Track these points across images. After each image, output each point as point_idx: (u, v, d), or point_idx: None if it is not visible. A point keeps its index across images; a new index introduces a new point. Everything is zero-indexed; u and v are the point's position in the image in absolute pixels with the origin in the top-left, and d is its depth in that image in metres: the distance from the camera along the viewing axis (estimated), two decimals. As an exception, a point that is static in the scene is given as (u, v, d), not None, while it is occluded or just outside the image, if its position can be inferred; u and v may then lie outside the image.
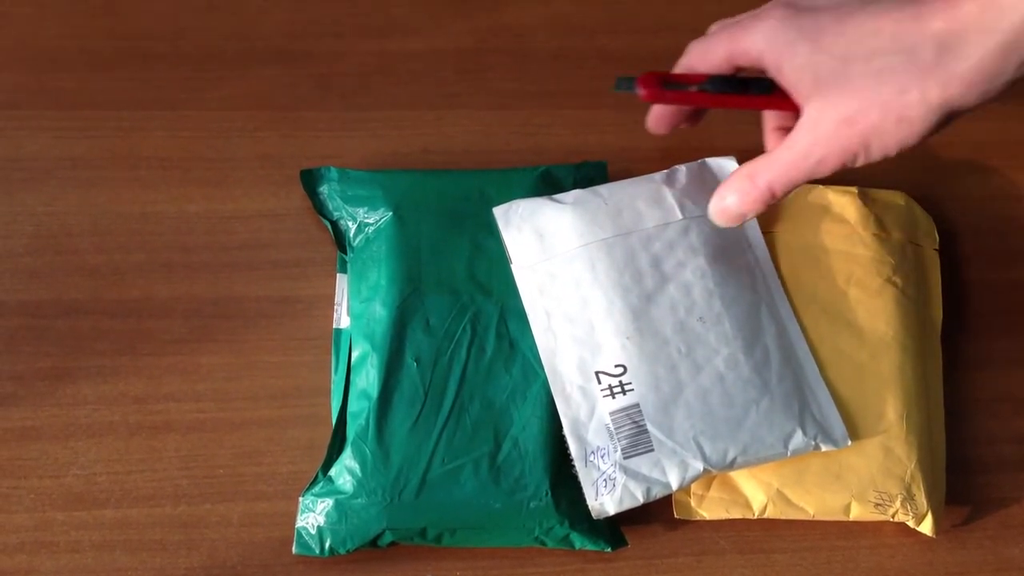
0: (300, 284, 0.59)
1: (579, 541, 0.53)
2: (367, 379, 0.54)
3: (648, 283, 0.54)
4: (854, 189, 0.60)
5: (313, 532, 0.52)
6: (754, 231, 0.58)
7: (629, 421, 0.52)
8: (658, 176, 0.57)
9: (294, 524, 0.53)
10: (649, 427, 0.52)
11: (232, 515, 0.54)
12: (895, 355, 0.56)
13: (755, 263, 0.57)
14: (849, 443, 0.53)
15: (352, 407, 0.54)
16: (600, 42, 0.67)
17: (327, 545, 0.52)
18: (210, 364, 0.57)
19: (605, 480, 0.52)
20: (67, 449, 0.55)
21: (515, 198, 0.58)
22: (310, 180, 0.60)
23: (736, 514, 0.54)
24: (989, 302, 0.62)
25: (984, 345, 0.61)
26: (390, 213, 0.57)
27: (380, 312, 0.55)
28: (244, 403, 0.56)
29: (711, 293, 0.54)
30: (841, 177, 0.60)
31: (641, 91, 0.47)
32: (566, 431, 0.53)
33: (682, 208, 0.56)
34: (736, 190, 0.48)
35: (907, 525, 0.54)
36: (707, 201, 0.50)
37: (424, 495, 0.52)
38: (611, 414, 0.52)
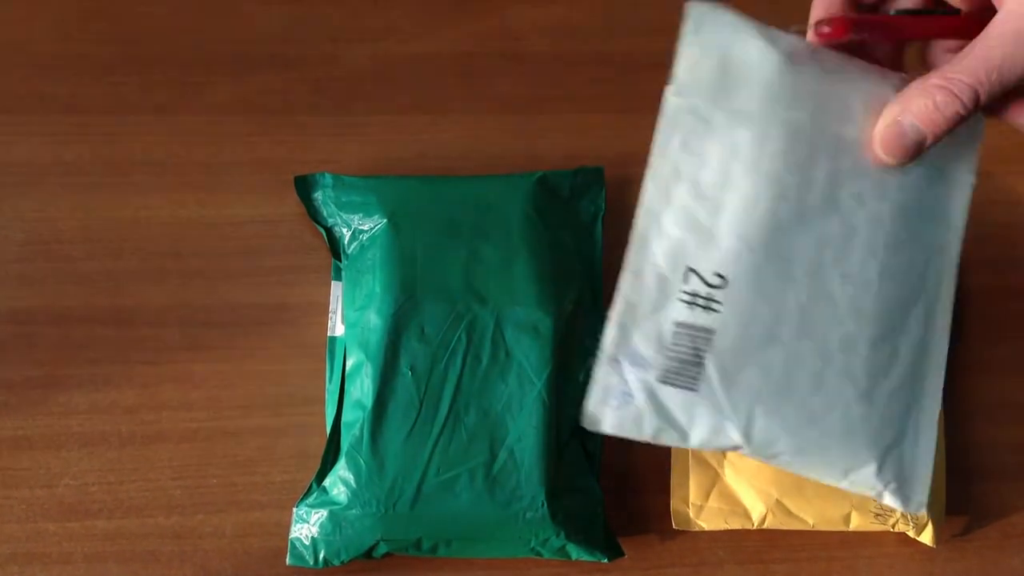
0: (294, 291, 0.59)
1: (575, 552, 0.52)
2: (361, 388, 0.53)
3: (812, 198, 0.42)
4: (854, 195, 0.59)
5: (307, 543, 0.52)
6: (959, 215, 0.44)
7: (690, 344, 0.41)
8: (894, 80, 0.44)
9: (288, 535, 0.53)
10: (708, 363, 0.41)
11: (225, 525, 0.54)
12: (895, 363, 0.55)
13: (941, 251, 0.44)
14: (922, 511, 0.43)
15: (346, 417, 0.54)
16: (597, 46, 0.67)
17: (321, 556, 0.52)
18: (203, 372, 0.57)
19: (621, 392, 0.41)
20: (59, 459, 0.55)
21: (511, 204, 0.57)
22: (304, 186, 0.59)
23: (735, 525, 0.54)
24: (989, 309, 0.61)
25: (984, 352, 0.60)
26: (385, 220, 0.56)
27: (375, 320, 0.54)
28: (238, 412, 0.56)
29: (873, 253, 0.42)
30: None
31: (826, 29, 0.42)
32: (612, 312, 0.41)
33: None
34: (923, 95, 0.39)
35: (907, 535, 0.54)
36: (937, 151, 0.41)
37: (419, 506, 0.51)
38: (677, 324, 0.41)
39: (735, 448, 0.42)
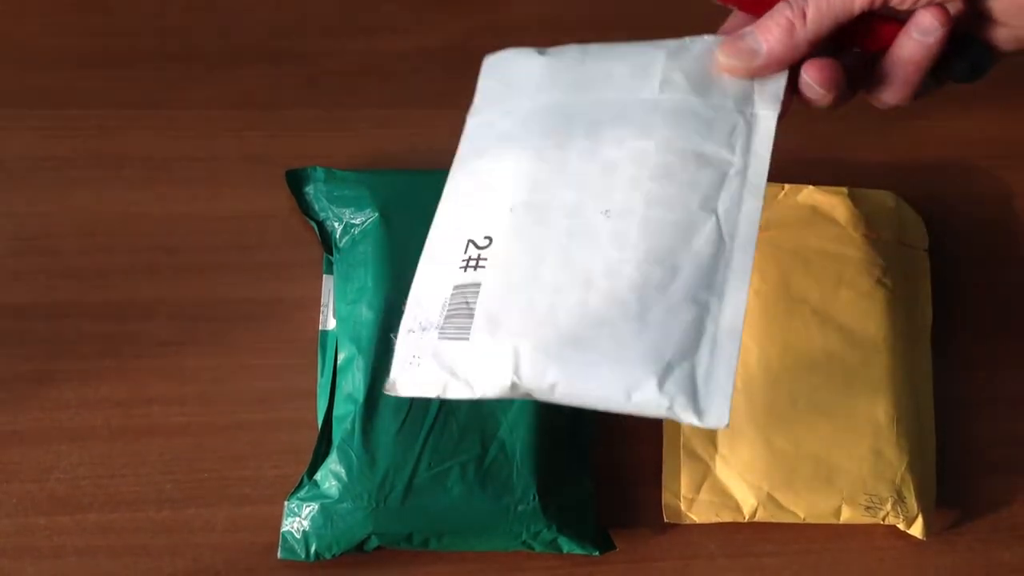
0: (286, 286, 0.59)
1: (567, 545, 0.52)
2: (353, 382, 0.53)
3: (570, 153, 0.45)
4: (844, 190, 0.59)
5: (299, 537, 0.52)
6: (763, 144, 0.45)
7: (462, 300, 0.44)
8: (668, 44, 0.47)
9: (279, 528, 0.53)
10: (477, 312, 0.43)
11: (217, 519, 0.54)
12: (885, 357, 0.55)
13: (739, 174, 0.44)
14: (723, 426, 0.41)
15: (338, 411, 0.54)
16: (588, 39, 0.66)
17: (312, 550, 0.52)
18: (195, 367, 0.57)
19: (413, 356, 0.44)
20: (50, 453, 0.55)
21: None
22: (296, 180, 0.59)
23: (726, 518, 0.54)
24: (979, 303, 0.62)
25: (974, 346, 0.60)
26: (376, 214, 0.56)
27: (366, 314, 0.54)
28: (229, 406, 0.56)
29: (636, 184, 0.44)
30: (831, 178, 0.60)
31: None
32: (412, 290, 0.45)
33: (665, 83, 0.45)
34: (763, 22, 0.43)
35: (898, 528, 0.54)
36: (706, 83, 0.45)
37: (410, 500, 0.51)
38: (454, 287, 0.44)
39: (515, 390, 0.42)
